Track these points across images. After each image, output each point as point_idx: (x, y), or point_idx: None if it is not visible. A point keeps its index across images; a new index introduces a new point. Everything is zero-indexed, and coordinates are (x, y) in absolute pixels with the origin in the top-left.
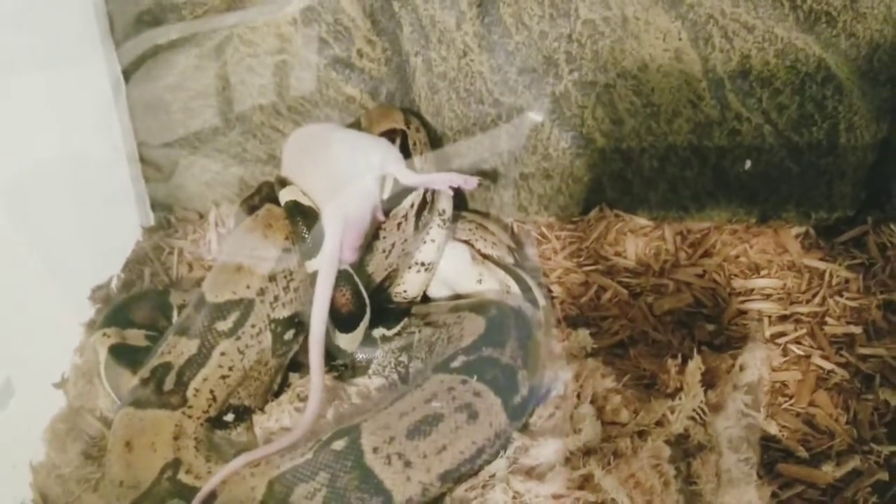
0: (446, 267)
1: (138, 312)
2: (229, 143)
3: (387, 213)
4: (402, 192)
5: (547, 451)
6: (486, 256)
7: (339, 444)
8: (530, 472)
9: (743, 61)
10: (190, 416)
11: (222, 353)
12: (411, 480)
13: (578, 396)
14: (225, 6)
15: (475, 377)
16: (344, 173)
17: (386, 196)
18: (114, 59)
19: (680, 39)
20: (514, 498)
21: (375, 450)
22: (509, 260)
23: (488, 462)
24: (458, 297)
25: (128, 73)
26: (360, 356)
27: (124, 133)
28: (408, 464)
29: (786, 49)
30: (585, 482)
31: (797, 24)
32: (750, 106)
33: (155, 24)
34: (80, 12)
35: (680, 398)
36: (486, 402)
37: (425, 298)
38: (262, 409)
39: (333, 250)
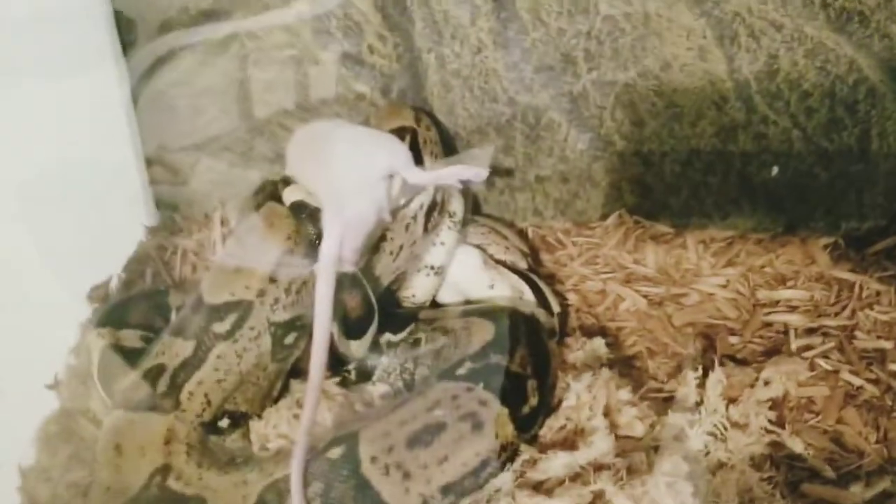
0: (456, 271)
1: (135, 313)
2: (236, 142)
3: (395, 214)
4: (411, 193)
5: (556, 464)
6: (499, 261)
7: (335, 453)
8: (538, 487)
9: (770, 61)
10: (183, 421)
11: (218, 356)
12: (410, 493)
13: (591, 408)
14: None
15: (481, 385)
16: (348, 172)
17: (394, 196)
18: (122, 62)
19: (704, 37)
20: None
21: (373, 459)
22: (523, 265)
23: (494, 475)
24: (468, 302)
25: (135, 75)
26: (365, 362)
27: (131, 134)
28: (407, 475)
29: (815, 49)
30: (597, 499)
31: (828, 22)
32: (777, 109)
33: (165, 29)
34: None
35: (700, 413)
36: (492, 412)
37: (435, 304)
38: (259, 416)
39: (331, 252)
